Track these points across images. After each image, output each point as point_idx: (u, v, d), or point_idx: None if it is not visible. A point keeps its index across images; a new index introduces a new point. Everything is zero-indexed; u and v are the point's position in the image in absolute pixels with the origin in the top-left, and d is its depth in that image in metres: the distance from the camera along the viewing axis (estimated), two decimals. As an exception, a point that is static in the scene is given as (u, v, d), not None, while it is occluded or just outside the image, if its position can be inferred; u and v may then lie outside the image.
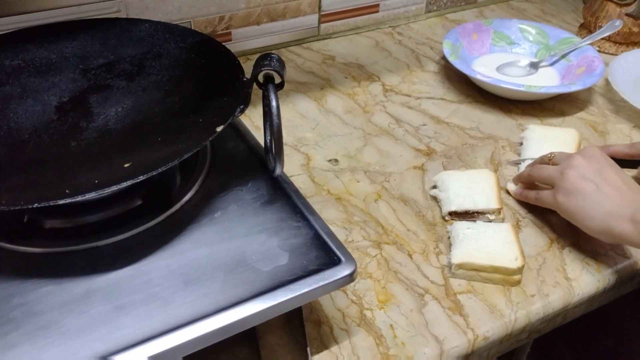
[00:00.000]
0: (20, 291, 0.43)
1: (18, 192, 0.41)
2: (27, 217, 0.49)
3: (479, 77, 0.81)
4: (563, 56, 0.90)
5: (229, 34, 0.91)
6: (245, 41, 0.93)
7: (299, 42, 0.98)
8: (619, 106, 0.84)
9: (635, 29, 0.95)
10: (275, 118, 0.47)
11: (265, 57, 0.48)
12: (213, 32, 0.89)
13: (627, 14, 0.95)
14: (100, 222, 0.49)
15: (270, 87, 0.48)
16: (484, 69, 0.90)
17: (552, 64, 0.91)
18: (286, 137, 0.75)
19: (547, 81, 0.88)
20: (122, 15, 0.80)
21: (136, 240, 0.48)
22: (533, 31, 0.95)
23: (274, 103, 0.47)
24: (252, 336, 0.51)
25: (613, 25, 0.92)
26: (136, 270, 0.46)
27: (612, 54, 0.97)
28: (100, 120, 0.51)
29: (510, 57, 0.93)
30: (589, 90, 0.87)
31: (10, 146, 0.47)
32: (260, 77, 0.50)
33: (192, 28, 0.87)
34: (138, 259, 0.46)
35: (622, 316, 0.89)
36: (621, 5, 0.96)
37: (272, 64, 0.48)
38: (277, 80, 0.49)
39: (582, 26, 1.04)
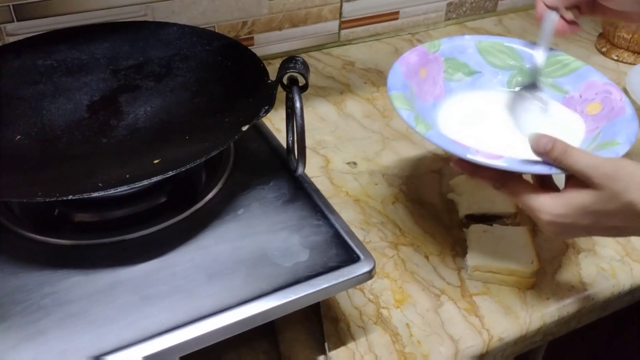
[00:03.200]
0: (51, 280, 0.45)
1: (53, 185, 0.43)
2: (57, 210, 0.51)
3: (499, 163, 0.48)
4: (553, 86, 0.62)
5: (252, 38, 0.93)
6: (267, 46, 0.94)
7: (319, 47, 0.99)
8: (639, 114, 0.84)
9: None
10: (299, 119, 0.49)
11: (290, 60, 0.50)
12: (236, 37, 0.91)
13: (646, 24, 0.95)
14: (127, 216, 0.51)
15: (295, 89, 0.49)
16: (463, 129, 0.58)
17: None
18: (306, 139, 0.77)
19: (573, 131, 0.58)
20: (149, 18, 0.83)
21: (162, 234, 0.50)
22: (498, 51, 0.65)
23: (298, 104, 0.49)
24: (271, 331, 0.53)
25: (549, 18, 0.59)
26: (161, 263, 0.47)
27: (630, 64, 0.97)
28: (130, 119, 0.53)
29: (481, 98, 0.63)
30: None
31: (44, 142, 0.50)
32: (285, 80, 0.51)
33: (202, 27, 0.88)
34: (163, 253, 0.48)
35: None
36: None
37: (297, 66, 0.50)
38: (301, 82, 0.51)
39: (600, 36, 1.05)
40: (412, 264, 0.61)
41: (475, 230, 0.62)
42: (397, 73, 0.59)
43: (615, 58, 0.95)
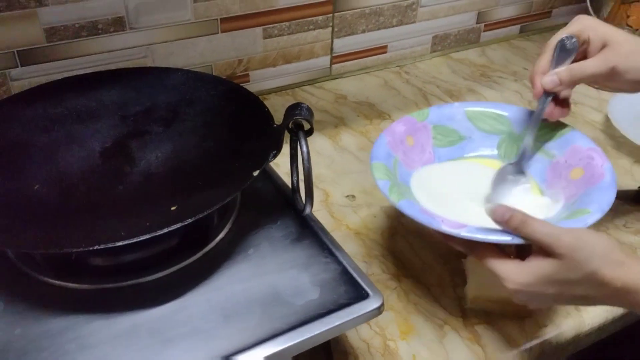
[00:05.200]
0: (73, 325, 0.47)
1: (77, 234, 0.45)
2: (74, 256, 0.53)
3: (461, 232, 0.51)
4: (542, 150, 0.64)
5: (247, 75, 0.95)
6: (262, 82, 0.97)
7: (312, 82, 1.02)
8: (620, 142, 0.88)
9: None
10: (306, 162, 0.51)
11: (295, 107, 0.53)
12: (232, 74, 0.94)
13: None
14: (143, 259, 0.52)
15: (301, 134, 0.52)
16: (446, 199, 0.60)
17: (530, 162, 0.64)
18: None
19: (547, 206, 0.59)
20: (149, 60, 0.85)
21: (176, 276, 0.52)
22: (487, 117, 0.67)
23: (304, 149, 0.51)
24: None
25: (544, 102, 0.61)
26: (178, 305, 0.49)
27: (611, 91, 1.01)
28: (143, 165, 0.55)
29: (467, 162, 0.66)
30: (589, 126, 0.92)
31: (62, 190, 0.51)
32: (291, 125, 0.54)
33: (213, 71, 0.91)
34: (179, 295, 0.50)
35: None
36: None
37: (302, 112, 0.52)
38: (306, 127, 0.53)
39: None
40: (414, 295, 0.63)
41: (473, 261, 0.64)
42: (382, 143, 0.62)
43: (597, 86, 0.99)
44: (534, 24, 1.22)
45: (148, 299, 0.49)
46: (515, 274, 0.48)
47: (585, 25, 0.58)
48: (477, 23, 1.14)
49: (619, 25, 0.98)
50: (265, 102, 0.78)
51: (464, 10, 1.11)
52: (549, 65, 0.59)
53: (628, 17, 0.97)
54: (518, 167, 0.62)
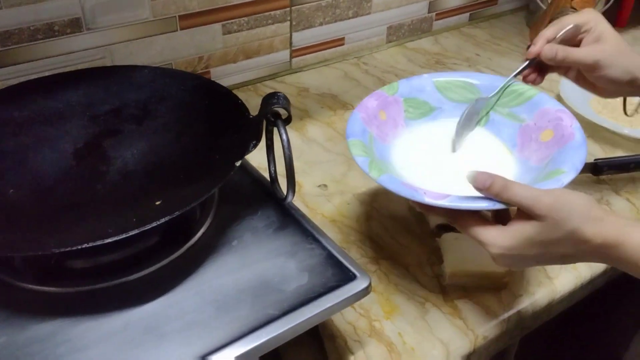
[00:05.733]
0: (62, 329, 0.46)
1: (60, 235, 0.44)
2: (54, 260, 0.52)
3: (444, 203, 0.51)
4: (510, 115, 0.65)
5: (208, 72, 0.95)
6: (223, 78, 0.97)
7: (273, 76, 1.03)
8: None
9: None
10: (287, 150, 0.52)
11: (272, 96, 0.53)
12: (193, 72, 0.93)
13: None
14: (128, 258, 0.52)
15: (280, 123, 0.53)
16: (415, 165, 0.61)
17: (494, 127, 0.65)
18: (277, 167, 0.80)
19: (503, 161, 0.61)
20: (108, 61, 0.83)
21: (162, 273, 0.51)
22: (456, 86, 0.67)
23: (284, 137, 0.52)
24: (276, 357, 0.55)
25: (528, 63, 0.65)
26: (169, 300, 0.49)
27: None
28: (119, 163, 0.54)
29: (438, 130, 0.66)
30: (543, 107, 0.96)
31: (39, 193, 0.50)
32: (267, 114, 0.54)
33: (174, 69, 0.90)
34: (168, 290, 0.50)
35: (588, 318, 0.97)
36: (563, 28, 1.06)
37: (280, 101, 0.53)
38: (284, 115, 0.54)
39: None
40: (394, 276, 0.65)
41: (447, 239, 0.67)
42: (356, 119, 0.61)
43: (580, 85, 1.03)
44: (482, 11, 1.26)
45: (137, 297, 0.49)
46: (498, 238, 0.49)
47: (590, 19, 0.63)
48: (428, 12, 1.17)
49: (564, 7, 1.02)
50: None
51: (415, 1, 1.14)
52: (553, 38, 0.63)
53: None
54: (483, 104, 0.65)
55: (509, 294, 0.63)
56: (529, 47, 0.65)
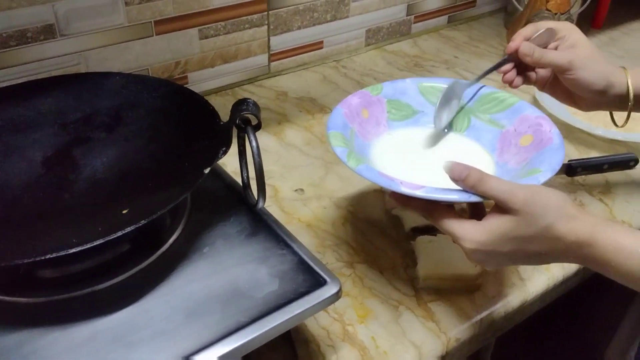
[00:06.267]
0: (30, 339, 0.46)
1: (26, 245, 0.44)
2: (22, 270, 0.51)
3: (420, 193, 0.51)
4: (491, 121, 0.66)
5: (185, 77, 0.95)
6: (201, 83, 0.97)
7: (251, 80, 1.03)
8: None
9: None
10: (256, 157, 0.52)
11: (242, 103, 0.53)
12: (170, 77, 0.93)
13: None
14: (96, 267, 0.52)
15: (250, 129, 0.53)
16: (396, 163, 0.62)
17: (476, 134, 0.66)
18: (254, 171, 0.80)
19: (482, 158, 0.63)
20: (83, 67, 0.83)
21: (132, 281, 0.51)
22: (439, 90, 0.67)
23: (254, 143, 0.52)
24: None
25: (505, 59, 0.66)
26: (138, 309, 0.49)
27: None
28: (88, 171, 0.54)
29: (418, 133, 0.67)
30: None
31: (5, 202, 0.50)
32: (238, 120, 0.54)
33: (150, 74, 0.90)
34: (138, 299, 0.49)
35: (569, 315, 0.98)
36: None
37: (250, 108, 0.53)
38: (254, 122, 0.54)
39: (507, 49, 1.14)
40: (368, 280, 0.65)
41: (421, 242, 0.67)
42: (338, 114, 0.62)
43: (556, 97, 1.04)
44: (460, 13, 1.27)
45: (106, 306, 0.49)
46: (472, 233, 0.49)
47: (565, 27, 0.66)
48: (407, 15, 1.18)
49: (539, 9, 1.03)
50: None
51: (394, 3, 1.14)
52: (530, 37, 0.65)
53: (548, 1, 1.03)
54: (464, 88, 0.67)
55: (482, 296, 0.63)
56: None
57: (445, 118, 0.66)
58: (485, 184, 0.49)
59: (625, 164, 0.80)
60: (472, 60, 1.13)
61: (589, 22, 1.28)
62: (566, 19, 1.08)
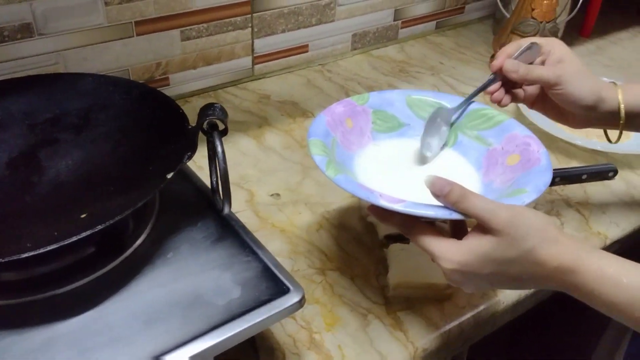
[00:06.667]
0: (-16, 343, 0.45)
1: (-21, 248, 0.43)
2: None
3: (398, 207, 0.49)
4: (478, 138, 0.64)
5: (167, 78, 0.94)
6: (183, 84, 0.96)
7: (234, 83, 1.02)
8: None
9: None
10: (221, 162, 0.52)
11: (209, 107, 0.53)
12: (151, 78, 0.92)
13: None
14: (57, 270, 0.51)
15: (216, 135, 0.52)
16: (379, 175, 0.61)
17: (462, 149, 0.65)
18: (230, 175, 0.79)
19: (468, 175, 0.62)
20: (61, 67, 0.83)
21: (94, 285, 0.51)
22: (427, 104, 0.66)
23: (219, 149, 0.52)
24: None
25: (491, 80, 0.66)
26: (97, 314, 0.48)
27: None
28: (52, 174, 0.53)
29: (403, 145, 0.66)
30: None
31: (-35, 204, 0.49)
32: (205, 126, 0.54)
33: (130, 75, 0.90)
34: (97, 304, 0.49)
35: (554, 320, 0.98)
36: (525, 37, 1.06)
37: (216, 113, 0.52)
38: (221, 127, 0.54)
39: (493, 57, 1.14)
40: (339, 287, 0.65)
41: (394, 250, 0.67)
42: (320, 122, 0.61)
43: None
44: (448, 19, 1.27)
45: (64, 311, 0.48)
46: (451, 252, 0.47)
47: (553, 42, 0.65)
48: (394, 20, 1.18)
49: (524, 18, 1.03)
50: (188, 105, 0.75)
51: (381, 8, 1.14)
52: (514, 54, 0.64)
53: (533, 10, 1.03)
54: (451, 113, 0.65)
55: (452, 306, 0.63)
56: (492, 56, 0.66)
57: (436, 145, 0.65)
58: (467, 201, 0.47)
59: (604, 174, 0.80)
60: (458, 67, 1.12)
61: (577, 31, 1.27)
62: (552, 27, 1.08)
